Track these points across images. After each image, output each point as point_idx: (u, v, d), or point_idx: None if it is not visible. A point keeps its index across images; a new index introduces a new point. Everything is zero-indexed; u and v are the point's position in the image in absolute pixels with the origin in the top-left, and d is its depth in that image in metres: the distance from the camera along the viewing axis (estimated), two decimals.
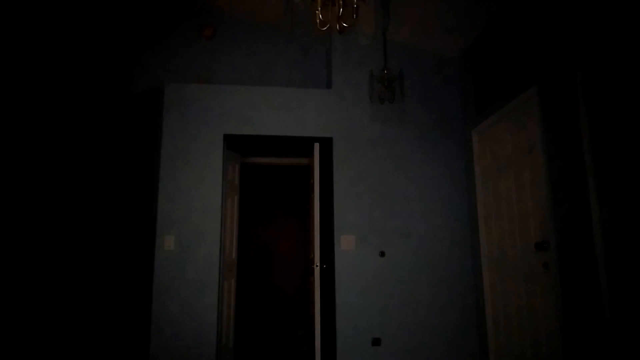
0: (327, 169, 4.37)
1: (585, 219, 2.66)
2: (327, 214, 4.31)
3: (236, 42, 4.90)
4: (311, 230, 4.36)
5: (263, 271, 6.33)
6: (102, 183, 4.35)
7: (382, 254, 4.11)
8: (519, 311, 3.42)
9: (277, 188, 6.58)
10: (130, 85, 4.72)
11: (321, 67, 4.95)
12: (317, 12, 2.04)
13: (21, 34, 3.30)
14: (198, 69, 4.81)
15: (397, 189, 4.25)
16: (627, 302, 2.38)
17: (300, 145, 5.04)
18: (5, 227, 3.07)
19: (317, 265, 3.96)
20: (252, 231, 6.40)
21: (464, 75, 4.45)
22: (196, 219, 3.98)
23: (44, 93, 3.57)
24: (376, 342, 3.96)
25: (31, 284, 3.34)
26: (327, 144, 4.38)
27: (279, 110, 4.27)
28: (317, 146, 4.20)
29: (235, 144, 4.90)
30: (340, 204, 4.16)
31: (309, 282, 4.82)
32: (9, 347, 3.03)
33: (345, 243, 4.09)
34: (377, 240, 4.13)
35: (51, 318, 3.55)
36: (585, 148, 2.67)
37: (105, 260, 4.28)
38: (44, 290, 3.48)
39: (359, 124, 4.32)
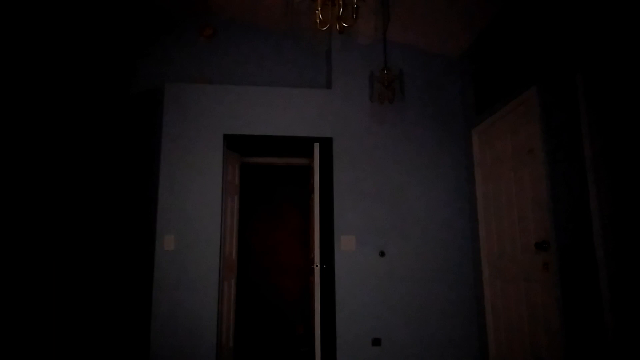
0: (327, 169, 4.37)
1: (585, 219, 2.66)
2: (327, 214, 4.31)
3: (236, 42, 4.90)
4: (311, 230, 4.36)
5: (263, 271, 6.33)
6: (103, 183, 4.35)
7: (382, 254, 4.11)
8: (519, 311, 3.42)
9: (277, 188, 6.57)
10: (130, 85, 4.72)
11: (321, 67, 4.95)
12: (317, 12, 2.04)
13: (20, 34, 3.30)
14: (198, 69, 4.81)
15: (397, 188, 4.25)
16: (627, 302, 2.38)
17: (300, 145, 5.03)
18: (5, 228, 3.07)
19: (317, 265, 3.96)
20: (252, 231, 6.40)
21: (464, 75, 4.45)
22: (196, 219, 3.98)
23: (44, 93, 3.57)
24: (376, 342, 3.96)
25: (31, 284, 3.34)
26: (327, 144, 4.38)
27: (279, 110, 4.27)
28: (317, 146, 4.20)
29: (235, 144, 4.90)
30: (340, 204, 4.16)
31: (309, 282, 4.82)
32: (9, 347, 3.03)
33: (345, 243, 4.09)
34: (377, 240, 4.13)
35: (51, 318, 3.55)
36: (585, 148, 2.67)
37: (106, 260, 4.27)
38: (44, 291, 3.48)
39: (359, 124, 4.32)
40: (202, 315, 3.84)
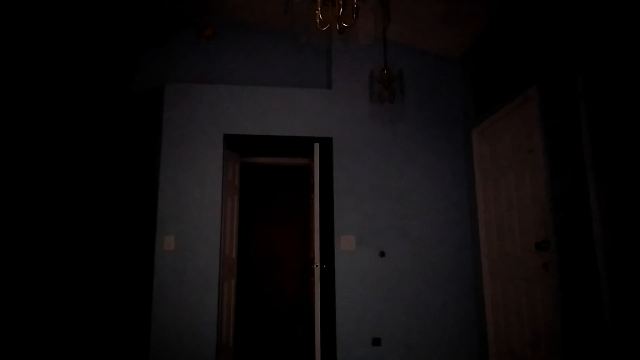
0: (327, 169, 4.37)
1: (585, 219, 2.66)
2: (327, 214, 4.31)
3: (236, 42, 4.90)
4: (311, 230, 4.36)
5: (263, 271, 6.33)
6: (102, 183, 4.35)
7: (382, 254, 4.11)
8: (518, 311, 3.42)
9: (277, 188, 6.57)
10: (130, 85, 4.72)
11: (321, 67, 4.95)
12: (317, 12, 2.04)
13: (21, 33, 3.30)
14: (198, 69, 4.81)
15: (397, 188, 4.25)
16: (627, 302, 2.38)
17: (300, 145, 5.03)
18: (5, 227, 3.07)
19: (317, 265, 3.96)
20: (252, 231, 6.40)
21: (464, 75, 4.45)
22: (196, 219, 3.98)
23: (44, 93, 3.57)
24: (376, 342, 3.96)
25: (31, 284, 3.34)
26: (327, 144, 4.38)
27: (279, 110, 4.27)
28: (317, 146, 4.20)
29: (235, 144, 4.89)
30: (340, 204, 4.16)
31: (309, 282, 4.82)
32: (9, 347, 3.03)
33: (345, 243, 4.09)
34: (377, 240, 4.13)
35: (51, 318, 3.55)
36: (585, 148, 2.67)
37: (106, 260, 4.27)
38: (44, 291, 3.48)
39: (359, 124, 4.32)
40: (202, 315, 3.84)
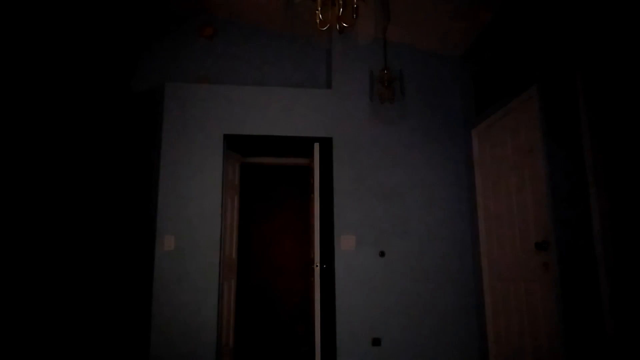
0: (327, 169, 4.37)
1: (585, 219, 2.66)
2: (327, 214, 4.31)
3: (236, 42, 4.90)
4: (311, 230, 4.36)
5: (263, 271, 6.33)
6: (102, 183, 4.35)
7: (382, 254, 4.11)
8: (519, 311, 3.42)
9: (277, 188, 6.57)
10: (130, 85, 4.72)
11: (321, 67, 4.94)
12: (317, 12, 2.04)
13: (20, 33, 3.30)
14: (198, 69, 4.81)
15: (397, 188, 4.25)
16: (627, 302, 2.38)
17: (300, 145, 5.03)
18: (5, 228, 3.07)
19: (317, 265, 3.96)
20: (252, 231, 6.40)
21: (464, 75, 4.45)
22: (196, 218, 3.98)
23: (43, 92, 3.57)
24: (376, 342, 3.96)
25: (31, 284, 3.34)
26: (327, 144, 4.38)
27: (279, 110, 4.27)
28: (317, 146, 4.20)
29: (235, 144, 4.90)
30: (340, 204, 4.16)
31: (309, 282, 4.83)
32: (9, 347, 3.03)
33: (345, 243, 4.09)
34: (377, 240, 4.13)
35: (51, 318, 3.55)
36: (585, 148, 2.67)
37: (105, 260, 4.27)
38: (43, 291, 3.48)
39: (359, 124, 4.33)
40: (203, 315, 3.84)
